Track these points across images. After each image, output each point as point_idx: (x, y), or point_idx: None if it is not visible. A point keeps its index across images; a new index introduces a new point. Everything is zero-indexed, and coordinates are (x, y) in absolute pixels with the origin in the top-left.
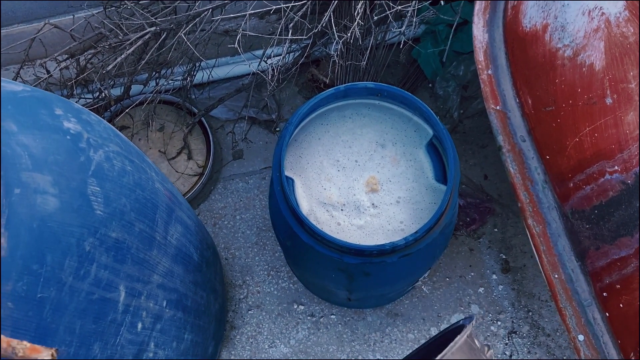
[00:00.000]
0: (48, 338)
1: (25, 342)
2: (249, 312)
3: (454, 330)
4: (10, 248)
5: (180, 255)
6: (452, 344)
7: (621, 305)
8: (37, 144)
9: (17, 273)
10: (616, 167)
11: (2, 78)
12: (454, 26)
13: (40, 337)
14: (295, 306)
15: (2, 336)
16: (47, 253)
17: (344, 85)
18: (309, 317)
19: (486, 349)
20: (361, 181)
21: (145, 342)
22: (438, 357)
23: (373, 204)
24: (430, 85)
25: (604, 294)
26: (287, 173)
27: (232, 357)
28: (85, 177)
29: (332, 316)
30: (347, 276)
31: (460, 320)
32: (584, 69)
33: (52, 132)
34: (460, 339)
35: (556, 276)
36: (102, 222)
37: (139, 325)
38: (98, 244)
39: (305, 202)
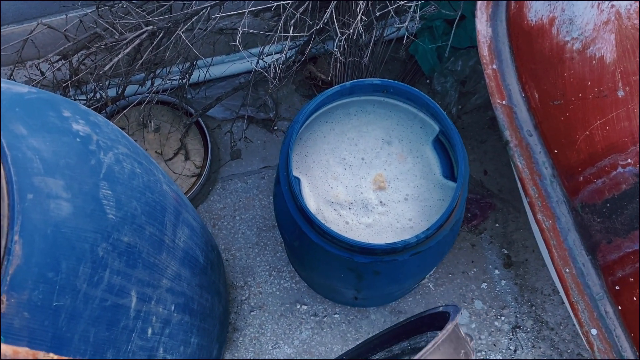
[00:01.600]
0: (64, 348)
1: (52, 354)
2: (252, 313)
3: (435, 315)
4: (25, 255)
5: (187, 258)
6: (441, 333)
7: (634, 298)
8: (48, 147)
9: (32, 282)
10: (629, 160)
11: (6, 80)
12: (455, 22)
13: (56, 347)
14: (298, 306)
15: (26, 349)
16: (61, 260)
17: (349, 82)
18: (312, 317)
19: (469, 339)
20: (368, 179)
21: (155, 348)
22: (430, 345)
23: (381, 202)
24: (428, 81)
25: (616, 287)
26: (293, 172)
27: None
28: (97, 181)
29: (336, 315)
30: (356, 275)
31: (440, 307)
32: (594, 62)
33: (61, 134)
34: (449, 329)
35: (567, 270)
36: (115, 227)
37: (149, 331)
38: (111, 249)
39: (312, 202)
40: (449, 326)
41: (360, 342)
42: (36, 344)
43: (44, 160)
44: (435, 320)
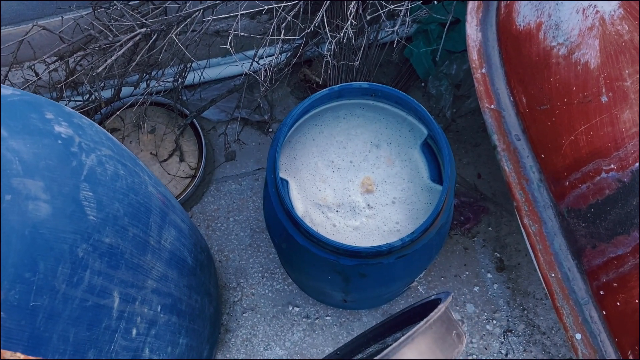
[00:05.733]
0: (41, 347)
1: (19, 354)
2: (244, 314)
3: (427, 304)
4: (1, 256)
5: (174, 260)
6: (434, 312)
7: (618, 303)
8: (28, 149)
9: (8, 282)
10: (612, 166)
11: None
12: (446, 25)
13: (33, 347)
14: (290, 308)
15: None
16: (39, 260)
17: (338, 85)
18: (304, 319)
19: (461, 323)
20: (356, 182)
21: (140, 348)
22: (421, 323)
23: (368, 205)
24: (422, 84)
25: (601, 292)
26: (282, 175)
27: None
28: (77, 182)
29: (328, 317)
30: (343, 278)
31: (432, 295)
32: (578, 67)
33: (43, 136)
34: (441, 308)
35: (553, 275)
36: (95, 228)
37: (134, 331)
38: (91, 250)
39: (300, 204)
40: (441, 306)
41: (355, 336)
42: (12, 343)
43: (23, 162)
44: (427, 310)
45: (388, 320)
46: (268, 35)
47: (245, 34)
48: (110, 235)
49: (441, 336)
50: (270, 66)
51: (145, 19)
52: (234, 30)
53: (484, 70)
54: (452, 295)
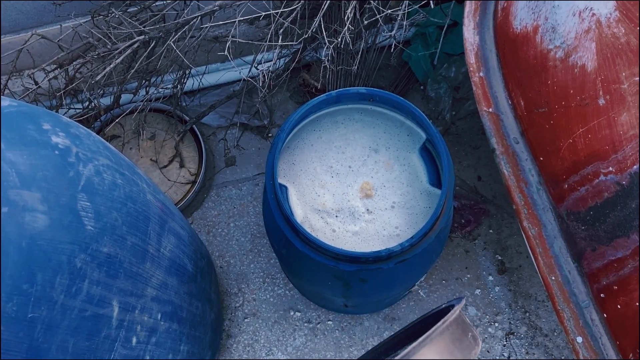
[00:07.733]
0: (40, 358)
1: None
2: (245, 320)
3: (437, 314)
4: None
5: (174, 267)
6: (449, 313)
7: (619, 306)
8: (25, 160)
9: (6, 294)
10: (610, 168)
11: None
12: (444, 28)
13: (31, 358)
14: (292, 313)
15: None
16: (37, 272)
17: (335, 90)
18: (305, 324)
19: (474, 327)
20: (355, 187)
21: (141, 356)
22: (438, 324)
23: (368, 210)
24: (421, 87)
25: (602, 295)
26: (281, 180)
27: None
28: (74, 193)
29: (329, 322)
30: (343, 283)
31: (442, 304)
32: (575, 70)
33: (40, 147)
34: (456, 310)
35: (553, 278)
36: (93, 238)
37: (134, 340)
38: (89, 260)
39: (300, 210)
40: (456, 308)
41: (368, 349)
42: (11, 355)
43: (20, 174)
44: (438, 320)
45: (400, 332)
46: (266, 41)
47: (244, 40)
48: (108, 244)
49: (458, 337)
50: (268, 72)
51: (144, 26)
52: (232, 37)
53: (481, 74)
54: (465, 300)
